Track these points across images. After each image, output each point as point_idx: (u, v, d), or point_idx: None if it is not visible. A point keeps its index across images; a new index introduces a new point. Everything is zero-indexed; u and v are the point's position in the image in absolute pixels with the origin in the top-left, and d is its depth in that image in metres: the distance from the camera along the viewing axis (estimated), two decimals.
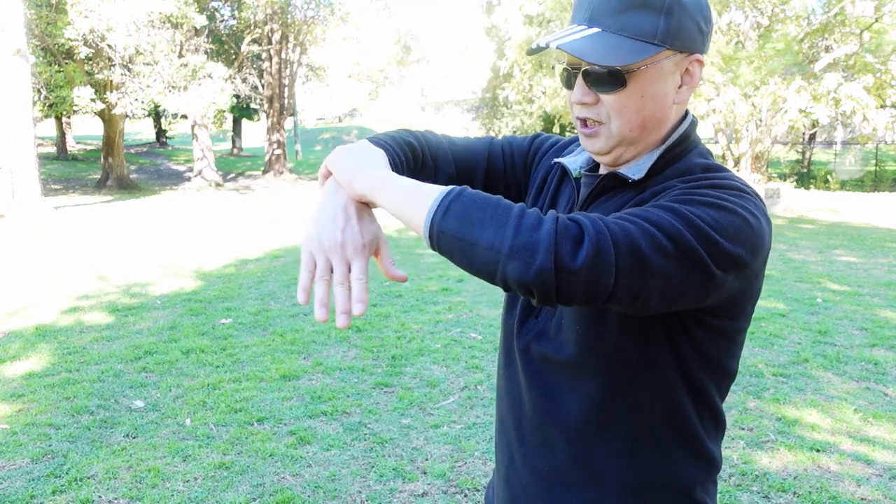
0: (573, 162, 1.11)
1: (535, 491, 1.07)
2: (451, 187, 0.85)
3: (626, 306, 0.84)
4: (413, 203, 0.87)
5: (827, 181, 21.29)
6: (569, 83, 1.00)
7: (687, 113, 1.04)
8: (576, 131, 1.09)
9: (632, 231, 0.81)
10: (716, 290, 0.87)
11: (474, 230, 0.80)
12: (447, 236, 0.83)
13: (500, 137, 1.25)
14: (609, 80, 0.94)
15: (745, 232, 0.87)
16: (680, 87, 0.98)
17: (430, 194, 0.86)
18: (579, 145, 1.16)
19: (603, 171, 1.08)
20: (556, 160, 1.14)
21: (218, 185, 22.22)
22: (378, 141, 1.08)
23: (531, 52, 1.01)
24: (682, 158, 1.01)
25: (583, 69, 0.96)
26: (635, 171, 1.00)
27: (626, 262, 0.79)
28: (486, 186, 1.20)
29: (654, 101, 0.96)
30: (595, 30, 0.93)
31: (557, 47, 0.93)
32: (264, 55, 25.65)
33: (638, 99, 0.95)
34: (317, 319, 0.94)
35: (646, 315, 0.92)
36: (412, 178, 1.00)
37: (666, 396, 0.99)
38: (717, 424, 1.06)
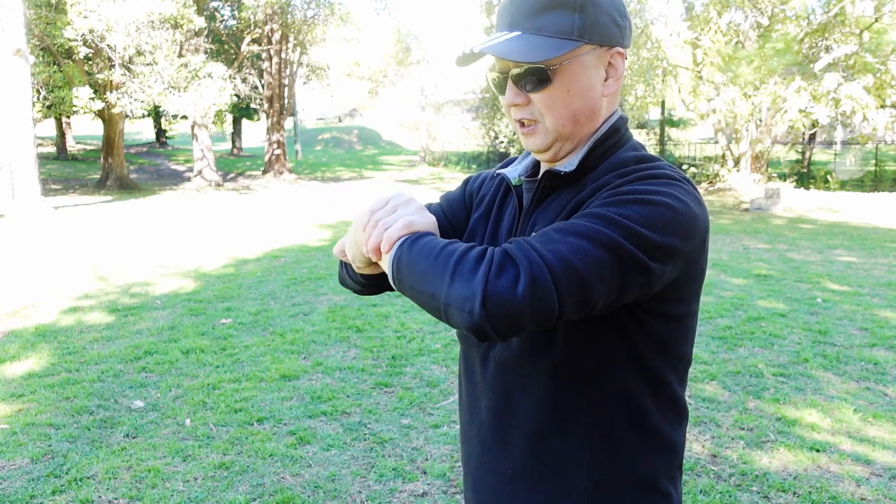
0: (513, 171, 1.15)
1: (502, 494, 1.08)
2: (404, 237, 0.93)
3: (577, 317, 0.88)
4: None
5: (827, 181, 21.28)
6: (501, 88, 1.04)
7: (617, 109, 1.09)
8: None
9: (562, 251, 0.84)
10: (657, 281, 0.91)
11: (419, 281, 0.88)
12: (404, 286, 0.92)
13: (436, 200, 1.30)
14: (535, 79, 0.99)
15: (674, 221, 0.90)
16: (606, 80, 1.03)
17: (392, 245, 0.94)
18: (520, 158, 1.20)
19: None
20: (497, 171, 1.17)
21: (218, 185, 22.22)
22: None
23: (461, 60, 1.05)
24: (614, 153, 1.05)
25: (511, 72, 1.01)
26: (567, 165, 1.04)
27: (564, 283, 0.83)
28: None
29: (582, 95, 1.01)
30: (516, 33, 0.99)
31: (480, 50, 0.99)
32: (264, 55, 25.64)
33: (565, 94, 1.00)
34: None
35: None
36: None
37: (621, 388, 1.01)
38: (678, 412, 1.07)
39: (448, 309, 0.84)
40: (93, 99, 16.85)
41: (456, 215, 1.24)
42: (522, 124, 1.04)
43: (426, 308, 0.89)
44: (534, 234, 0.93)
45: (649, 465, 1.04)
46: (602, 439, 1.01)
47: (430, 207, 1.28)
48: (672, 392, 1.05)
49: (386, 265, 0.95)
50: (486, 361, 1.09)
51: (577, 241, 0.85)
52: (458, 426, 3.58)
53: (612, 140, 1.05)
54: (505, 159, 1.27)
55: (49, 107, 18.11)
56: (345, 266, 1.20)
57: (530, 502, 1.05)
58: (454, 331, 5.44)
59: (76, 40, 15.75)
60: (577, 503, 1.02)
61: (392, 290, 1.22)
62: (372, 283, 1.17)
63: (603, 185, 0.98)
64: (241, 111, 32.08)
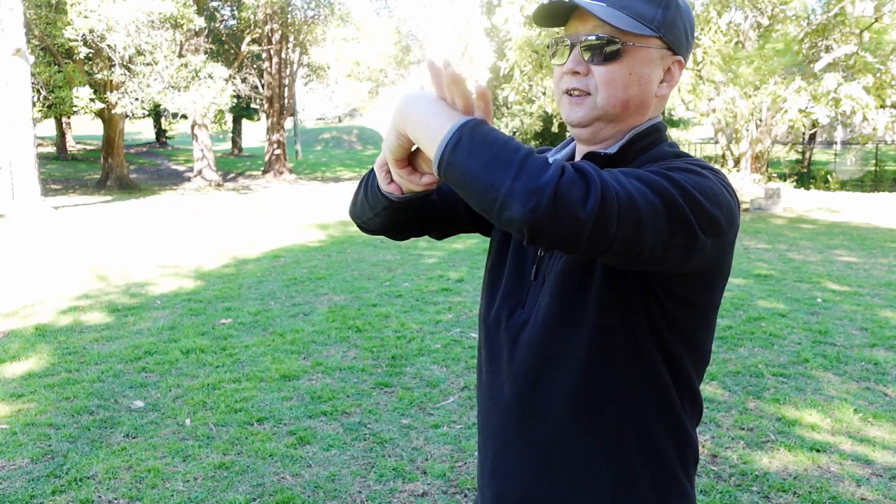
0: (550, 158, 1.14)
1: (524, 480, 1.08)
2: (464, 119, 0.87)
3: (619, 257, 0.87)
4: (428, 128, 0.89)
5: (827, 181, 21.30)
6: (561, 57, 1.05)
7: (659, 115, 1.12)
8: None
9: (628, 187, 0.85)
10: (697, 252, 0.92)
11: (478, 168, 0.83)
12: (454, 169, 0.85)
13: None
14: (605, 51, 1.00)
15: (721, 197, 0.94)
16: (661, 81, 1.06)
17: (446, 123, 0.87)
18: (557, 148, 1.22)
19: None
20: None
21: (218, 185, 22.23)
22: None
23: (541, 10, 1.04)
24: (653, 148, 1.07)
25: (582, 40, 1.02)
26: (609, 148, 1.05)
27: (626, 214, 0.83)
28: (470, 216, 1.25)
29: (640, 84, 1.03)
30: (601, 4, 1.01)
31: (570, 1, 0.99)
32: (264, 55, 25.65)
33: (626, 75, 1.01)
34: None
35: (634, 269, 0.96)
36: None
37: (648, 377, 1.02)
38: (695, 408, 1.09)
39: (508, 200, 0.80)
40: (93, 99, 16.85)
41: None
42: (570, 94, 1.05)
43: (476, 198, 0.84)
44: None
45: (671, 457, 1.06)
46: (629, 428, 1.03)
47: None
48: (693, 387, 1.07)
49: (438, 142, 0.86)
50: (514, 345, 1.08)
51: (640, 186, 0.86)
52: (459, 426, 3.58)
53: (653, 137, 1.07)
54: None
55: (49, 107, 18.10)
56: (365, 187, 1.16)
57: (554, 489, 1.05)
58: (454, 330, 5.44)
59: (76, 40, 15.75)
60: (602, 491, 1.03)
61: (393, 236, 1.21)
62: (387, 212, 1.12)
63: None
64: (241, 111, 32.07)
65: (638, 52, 1.01)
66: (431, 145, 0.88)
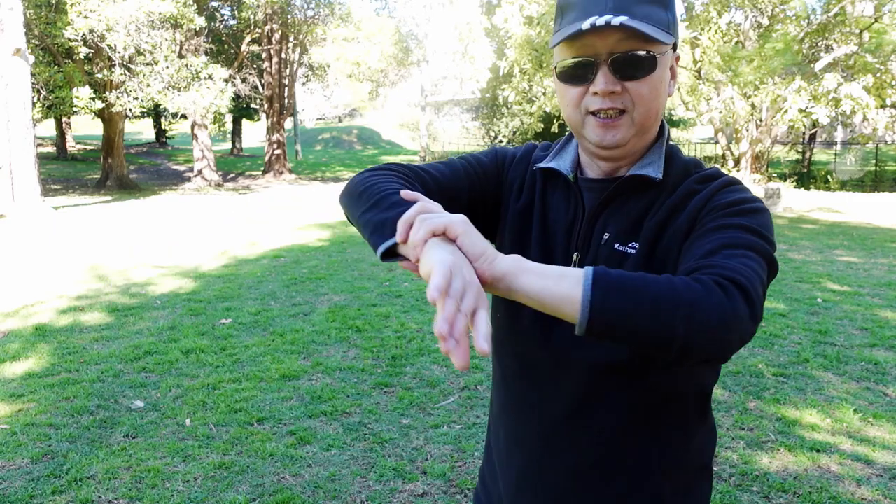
0: (557, 166, 1.11)
1: (566, 491, 1.07)
2: (589, 277, 0.78)
3: None
4: (552, 295, 0.80)
5: (827, 181, 21.29)
6: (582, 78, 0.98)
7: None
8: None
9: (763, 278, 0.85)
10: None
11: (636, 321, 0.76)
12: (613, 333, 0.78)
13: (459, 157, 1.21)
14: (641, 64, 0.97)
15: (772, 223, 0.96)
16: (670, 80, 1.05)
17: (574, 284, 0.78)
18: (548, 151, 1.16)
19: (593, 173, 1.08)
20: (538, 166, 1.13)
21: (218, 185, 22.23)
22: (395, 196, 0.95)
23: (573, 35, 0.96)
24: (671, 156, 1.07)
25: (612, 57, 0.96)
26: (654, 170, 1.02)
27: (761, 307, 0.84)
28: (471, 206, 1.12)
29: (664, 91, 1.02)
30: (624, 17, 0.94)
31: (621, 24, 0.92)
32: (264, 55, 25.65)
33: (658, 85, 0.99)
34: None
35: None
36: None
37: (697, 379, 1.05)
38: (711, 394, 1.14)
39: (685, 353, 0.76)
40: (93, 99, 16.85)
41: (488, 179, 1.16)
42: (595, 115, 0.99)
43: (645, 345, 0.78)
44: (720, 244, 0.88)
45: (705, 447, 1.09)
46: (675, 429, 1.04)
47: (452, 162, 1.18)
48: (716, 377, 1.11)
49: (577, 305, 0.78)
50: (557, 361, 1.05)
51: (758, 264, 0.86)
52: (459, 426, 3.58)
53: (670, 144, 1.07)
54: (518, 150, 1.20)
55: (49, 107, 18.11)
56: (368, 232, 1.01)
57: (602, 495, 1.06)
58: None
59: (76, 40, 15.75)
60: (650, 492, 1.04)
61: None
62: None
63: (691, 192, 1.00)
64: (241, 111, 32.09)
65: (663, 59, 0.99)
66: (565, 306, 0.79)
